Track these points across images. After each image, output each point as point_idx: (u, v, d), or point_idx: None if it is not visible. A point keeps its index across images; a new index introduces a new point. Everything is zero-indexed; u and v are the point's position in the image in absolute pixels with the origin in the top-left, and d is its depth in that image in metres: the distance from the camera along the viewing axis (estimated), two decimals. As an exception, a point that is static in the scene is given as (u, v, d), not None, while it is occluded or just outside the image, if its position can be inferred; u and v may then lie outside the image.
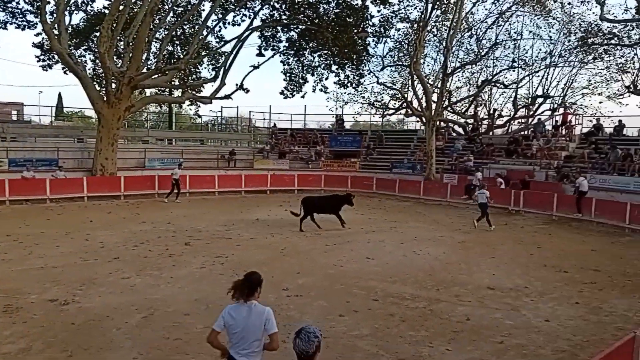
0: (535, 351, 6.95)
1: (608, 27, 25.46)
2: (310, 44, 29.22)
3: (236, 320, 4.12)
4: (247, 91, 27.38)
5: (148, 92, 29.68)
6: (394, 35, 30.56)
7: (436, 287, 10.00)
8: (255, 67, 28.04)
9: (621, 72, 28.43)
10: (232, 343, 4.18)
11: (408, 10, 29.40)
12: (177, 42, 30.21)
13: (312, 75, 30.60)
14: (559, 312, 8.67)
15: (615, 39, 25.61)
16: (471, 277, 10.92)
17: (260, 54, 28.00)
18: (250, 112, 36.77)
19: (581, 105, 31.77)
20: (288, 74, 30.69)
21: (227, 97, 26.88)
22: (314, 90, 30.92)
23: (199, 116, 37.35)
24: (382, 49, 36.22)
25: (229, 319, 4.14)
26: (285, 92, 30.79)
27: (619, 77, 28.86)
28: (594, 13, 27.42)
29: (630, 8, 21.89)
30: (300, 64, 30.61)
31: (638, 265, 12.24)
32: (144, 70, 25.07)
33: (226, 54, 27.70)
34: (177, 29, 28.35)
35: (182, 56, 28.00)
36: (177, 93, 29.18)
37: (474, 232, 16.39)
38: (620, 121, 25.72)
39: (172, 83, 28.15)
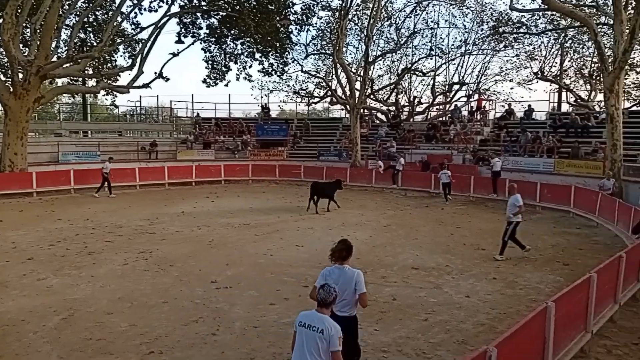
0: (457, 326, 7.31)
1: (517, 16, 27.01)
2: (232, 32, 28.61)
3: (331, 277, 4.88)
4: (167, 80, 26.53)
5: (60, 82, 27.78)
6: (316, 24, 30.75)
7: (364, 270, 10.11)
8: (174, 55, 27.17)
9: (529, 59, 30.35)
10: None
11: (329, -2, 29.60)
12: (90, 29, 28.47)
13: (235, 63, 30.04)
14: (478, 288, 9.16)
15: (524, 27, 27.20)
16: (396, 258, 11.28)
17: (179, 41, 27.05)
18: (171, 101, 35.68)
19: (494, 91, 33.64)
20: (210, 62, 29.91)
21: (146, 86, 25.85)
22: (237, 79, 30.87)
23: (116, 106, 35.59)
24: (305, 37, 36.40)
25: (327, 277, 4.89)
26: (208, 80, 30.00)
27: (528, 64, 30.81)
28: (504, 3, 29.08)
29: (537, -2, 23.39)
30: (222, 52, 29.91)
31: (548, 240, 13.17)
32: (54, 59, 23.47)
33: (143, 41, 26.52)
34: (89, 15, 26.72)
35: (95, 44, 26.48)
36: (91, 83, 27.54)
37: (398, 216, 16.93)
38: (529, 106, 27.48)
39: (86, 72, 26.59)
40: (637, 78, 29.55)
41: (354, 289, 4.92)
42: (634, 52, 26.58)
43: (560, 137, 22.30)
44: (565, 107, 29.69)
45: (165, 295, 8.62)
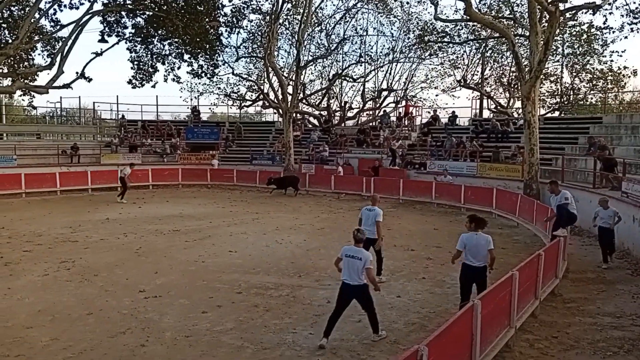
0: (389, 326, 7.46)
1: (441, 26, 28.11)
2: (159, 32, 27.72)
3: (470, 242, 7.10)
4: (90, 80, 25.27)
5: (-31, 80, 25.77)
6: (247, 27, 30.42)
7: (298, 274, 10.25)
8: (97, 54, 25.91)
9: (453, 67, 31.68)
10: (469, 255, 7.14)
11: (260, 1, 29.50)
12: (4, 25, 26.60)
13: (163, 64, 28.97)
14: (408, 288, 9.42)
15: (448, 37, 28.37)
16: (330, 261, 11.19)
17: (102, 40, 25.81)
18: (94, 102, 34.03)
19: (420, 97, 34.80)
20: (136, 62, 28.75)
21: (66, 86, 24.49)
22: (165, 80, 29.33)
23: (34, 107, 33.46)
24: (236, 40, 36.01)
25: (466, 241, 7.14)
26: (134, 81, 28.77)
27: (452, 72, 32.16)
28: (429, 13, 30.16)
29: (460, 9, 24.42)
30: (149, 52, 28.83)
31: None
32: (-36, 55, 21.72)
33: (63, 39, 25.12)
34: (4, 11, 24.94)
35: (10, 41, 24.75)
36: (6, 82, 25.72)
37: (332, 219, 17.10)
38: (453, 112, 28.71)
39: (0, 71, 24.81)
40: (551, 87, 31.72)
41: (487, 247, 7.07)
42: (548, 63, 28.58)
43: (482, 141, 23.47)
44: (486, 114, 31.28)
45: (90, 306, 8.18)
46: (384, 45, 46.23)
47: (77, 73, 24.74)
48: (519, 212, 15.61)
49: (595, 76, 29.98)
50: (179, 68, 29.22)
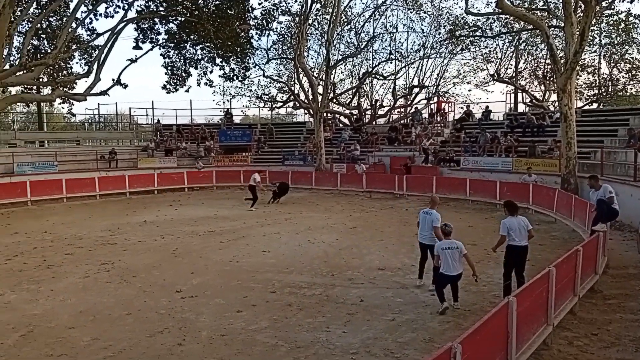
0: (423, 324, 7.41)
1: (473, 20, 27.67)
2: (192, 37, 28.23)
3: (512, 225, 7.89)
4: (125, 86, 25.91)
5: (13, 90, 26.82)
6: (276, 28, 30.65)
7: (331, 273, 10.27)
8: (132, 61, 26.55)
9: (486, 61, 31.12)
10: (514, 236, 7.93)
11: (289, 3, 29.61)
12: (43, 36, 27.55)
13: (196, 68, 29.55)
14: (442, 286, 9.30)
15: (480, 31, 27.89)
16: (363, 260, 11.36)
17: (137, 47, 26.48)
18: (130, 108, 34.95)
19: (453, 93, 34.31)
20: (170, 68, 29.37)
21: (103, 93, 25.18)
22: (198, 84, 29.86)
23: (73, 115, 34.58)
24: (266, 42, 36.35)
25: (509, 225, 7.92)
26: (168, 86, 29.39)
27: (485, 67, 31.60)
28: (460, 7, 29.65)
29: (492, 2, 23.99)
30: (182, 57, 29.43)
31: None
32: (6, 67, 22.61)
33: (99, 47, 25.87)
34: (42, 22, 25.87)
35: (49, 51, 25.65)
36: (46, 91, 26.67)
37: (364, 218, 17.06)
38: (487, 107, 28.19)
39: (40, 80, 25.73)
40: (588, 78, 30.79)
41: (527, 228, 7.96)
42: (585, 54, 27.75)
43: (518, 136, 22.96)
44: (521, 108, 30.61)
45: (129, 307, 8.41)
46: (414, 42, 45.89)
47: (113, 80, 25.43)
48: (557, 207, 15.20)
49: (634, 66, 28.95)
50: (211, 72, 29.78)
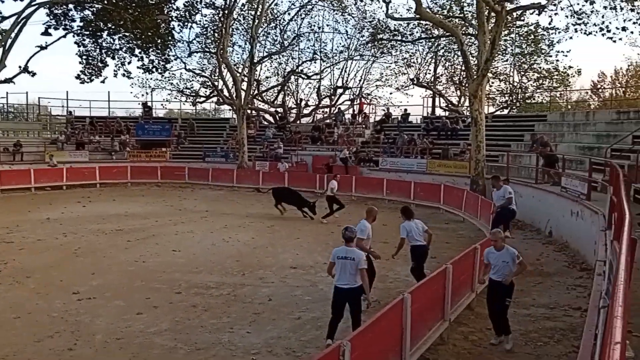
0: (324, 323, 7.41)
1: (394, 24, 28.38)
2: (109, 25, 26.88)
3: (410, 227, 8.43)
4: (33, 74, 24.28)
5: None
6: (200, 21, 29.88)
7: (242, 272, 10.10)
8: (42, 48, 24.94)
9: (406, 66, 32.08)
10: (414, 236, 8.46)
11: (213, -5, 28.95)
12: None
13: (113, 58, 28.19)
14: (352, 284, 9.41)
15: (400, 35, 28.68)
16: (276, 258, 11.29)
17: (46, 33, 24.78)
18: (39, 98, 32.66)
19: (375, 95, 35.04)
20: (84, 57, 27.86)
21: (8, 80, 23.50)
22: (115, 75, 28.49)
23: (-26, 104, 31.93)
24: (188, 34, 35.27)
25: (408, 228, 8.41)
26: (82, 76, 27.89)
27: (405, 71, 32.55)
28: (382, 11, 30.36)
29: (412, 8, 24.74)
30: (98, 46, 27.99)
31: (419, 235, 13.93)
32: None
33: (4, 32, 23.99)
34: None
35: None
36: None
37: (283, 216, 16.98)
38: (405, 110, 29.07)
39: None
40: (500, 86, 32.58)
41: (423, 230, 8.46)
42: (497, 62, 29.36)
43: (433, 139, 23.86)
44: (439, 112, 31.84)
45: (19, 310, 7.80)
46: (339, 43, 46.35)
47: (20, 67, 23.73)
48: (465, 207, 15.93)
49: (541, 75, 31.00)
50: (129, 63, 28.47)
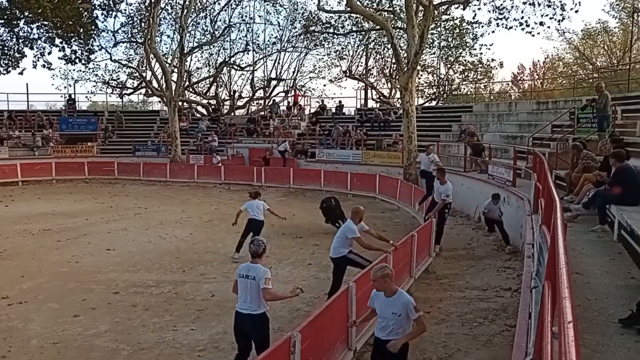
0: (274, 314, 7.32)
1: (326, 17, 28.59)
2: (26, 13, 25.22)
3: (251, 205, 10.23)
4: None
5: None
6: (125, 10, 28.68)
7: (182, 269, 9.95)
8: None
9: (339, 58, 32.45)
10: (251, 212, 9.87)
11: (139, -17, 27.90)
12: None
13: (31, 49, 26.58)
14: (295, 275, 9.56)
15: (332, 28, 28.93)
16: (217, 253, 11.19)
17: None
18: (-53, 91, 30.10)
19: (309, 87, 35.22)
20: (0, 47, 26.05)
21: None
22: (34, 66, 26.89)
23: None
24: (113, 24, 33.74)
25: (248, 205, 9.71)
26: (-2, 68, 26.10)
27: (338, 63, 32.92)
28: (314, 3, 30.43)
29: (343, 0, 25.06)
30: (14, 36, 26.24)
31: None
32: None
33: None
34: None
35: None
36: None
37: (221, 210, 16.78)
38: (340, 102, 29.46)
39: None
40: (428, 78, 33.73)
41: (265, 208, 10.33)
42: (425, 55, 30.32)
43: (367, 130, 24.38)
44: (371, 104, 32.49)
45: (-61, 320, 7.28)
46: (271, 34, 46.10)
47: None
48: (399, 196, 16.46)
49: (467, 68, 32.41)
50: (49, 53, 26.97)
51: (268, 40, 33.64)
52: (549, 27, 20.28)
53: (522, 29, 19.91)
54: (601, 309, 4.19)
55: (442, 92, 33.09)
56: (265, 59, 33.83)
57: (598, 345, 3.50)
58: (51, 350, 6.32)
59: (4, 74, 26.28)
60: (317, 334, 4.67)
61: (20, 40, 26.36)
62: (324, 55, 32.77)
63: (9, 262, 10.32)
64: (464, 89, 33.86)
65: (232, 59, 32.20)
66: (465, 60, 31.99)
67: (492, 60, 31.95)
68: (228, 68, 33.15)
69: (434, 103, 32.66)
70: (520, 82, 41.03)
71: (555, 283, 2.01)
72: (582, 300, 4.26)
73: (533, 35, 20.21)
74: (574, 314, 1.42)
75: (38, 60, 26.79)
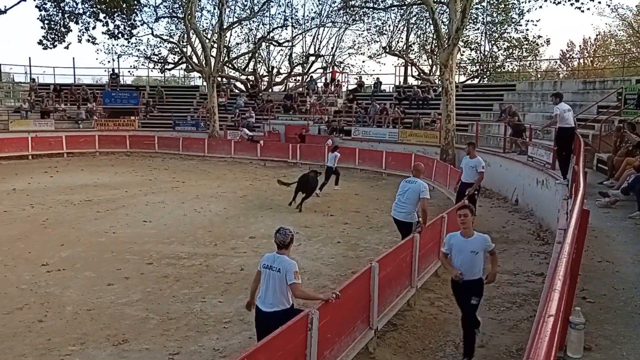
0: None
1: (366, -10, 27.98)
2: (71, -12, 25.83)
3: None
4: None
5: None
6: (167, -15, 28.91)
7: (214, 243, 10.14)
8: (1, 12, 23.83)
9: (379, 34, 31.83)
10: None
11: (181, -42, 27.99)
12: None
13: (77, 23, 27.22)
14: (323, 252, 9.59)
15: (372, 2, 28.32)
16: (248, 228, 11.34)
17: (3, -4, 23.68)
18: (0, 64, 31.31)
19: (348, 64, 34.78)
20: (46, 22, 26.80)
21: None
22: (79, 41, 27.60)
23: None
24: (154, -1, 34.02)
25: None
26: (45, 42, 26.90)
27: (378, 39, 32.31)
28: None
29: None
30: (60, 11, 26.92)
31: (390, 204, 14.12)
32: None
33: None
34: None
35: None
36: None
37: (255, 186, 16.97)
38: (377, 78, 29.00)
39: None
40: (471, 55, 32.73)
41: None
42: (468, 31, 29.42)
43: (404, 108, 23.96)
44: (411, 81, 31.85)
45: (-15, 283, 7.71)
46: (311, 9, 45.71)
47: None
48: (435, 176, 16.18)
49: (512, 44, 31.24)
50: (94, 28, 27.56)
51: (307, 15, 33.38)
52: (599, 2, 19.14)
53: (572, 4, 18.98)
54: (628, 299, 4.02)
55: (485, 70, 32.09)
56: (304, 34, 33.53)
57: (619, 336, 3.36)
58: (85, 316, 6.59)
59: (51, 48, 27.09)
60: (336, 312, 4.68)
61: (66, 15, 27.03)
62: (363, 31, 32.23)
63: (50, 231, 10.78)
64: (508, 66, 32.74)
65: (271, 34, 32.11)
66: (510, 37, 30.85)
67: (539, 37, 30.69)
68: (267, 44, 33.07)
69: (476, 81, 31.73)
70: (569, 60, 39.34)
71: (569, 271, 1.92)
72: (609, 289, 4.10)
73: (583, 11, 19.17)
74: (560, 308, 1.35)
75: (83, 35, 27.44)
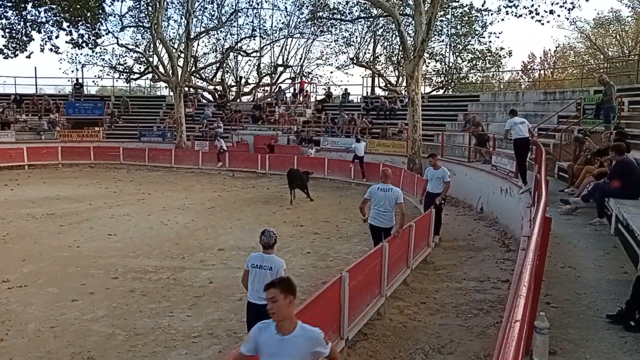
0: (269, 302, 7.52)
1: (334, 2, 28.38)
2: (34, -4, 25.25)
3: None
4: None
5: None
6: (132, -6, 28.58)
7: (182, 256, 10.00)
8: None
9: (347, 45, 32.19)
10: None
11: (146, -32, 27.77)
12: None
13: (39, 32, 26.66)
14: (293, 263, 9.54)
15: (339, 14, 28.67)
16: (217, 240, 11.23)
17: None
18: (-44, 74, 30.25)
19: (316, 74, 35.04)
20: (7, 30, 26.15)
21: None
22: (42, 50, 26.97)
23: None
24: (120, 8, 33.67)
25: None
26: (6, 51, 26.23)
27: (345, 50, 32.67)
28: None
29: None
30: (22, 19, 26.30)
31: (359, 214, 14.22)
32: None
33: None
34: None
35: None
36: None
37: (223, 197, 16.83)
38: (346, 89, 29.31)
39: None
40: (436, 66, 33.42)
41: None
42: (433, 43, 30.07)
43: (372, 118, 24.25)
44: (378, 91, 32.29)
45: (-58, 302, 7.39)
46: (279, 20, 45.71)
47: None
48: (402, 185, 16.34)
49: (475, 56, 32.08)
50: (57, 37, 27.05)
51: (275, 26, 33.47)
52: (559, 15, 19.92)
53: (532, 17, 19.62)
54: (590, 303, 4.17)
55: (449, 81, 32.81)
56: (272, 44, 33.66)
57: (582, 340, 3.48)
58: (48, 334, 6.39)
59: (12, 57, 26.42)
60: (307, 323, 4.67)
61: (28, 24, 26.43)
62: (331, 42, 32.60)
63: (11, 246, 10.43)
64: (472, 77, 33.58)
65: (239, 44, 32.08)
66: (473, 49, 31.71)
67: (502, 49, 31.68)
68: (235, 54, 33.02)
69: (441, 92, 32.40)
70: (530, 71, 40.61)
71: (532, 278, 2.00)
72: (572, 294, 4.24)
73: (542, 24, 19.97)
74: (525, 313, 1.41)
75: (46, 44, 26.89)
